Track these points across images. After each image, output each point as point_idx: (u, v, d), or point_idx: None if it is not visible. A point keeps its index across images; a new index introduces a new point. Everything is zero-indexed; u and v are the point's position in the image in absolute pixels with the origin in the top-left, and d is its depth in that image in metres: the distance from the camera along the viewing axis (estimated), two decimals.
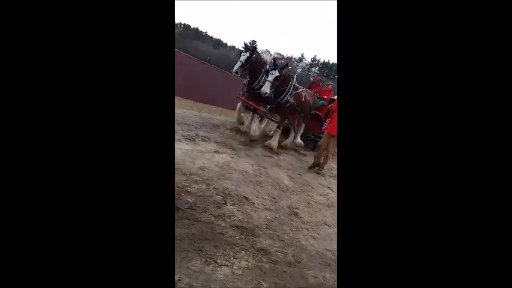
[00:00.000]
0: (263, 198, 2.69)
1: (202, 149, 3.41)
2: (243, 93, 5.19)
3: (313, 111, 5.85)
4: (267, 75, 4.47)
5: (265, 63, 4.72)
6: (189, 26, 38.27)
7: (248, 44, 4.69)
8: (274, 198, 2.79)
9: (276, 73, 4.43)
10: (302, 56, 41.89)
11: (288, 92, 4.85)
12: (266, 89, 4.32)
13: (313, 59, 44.00)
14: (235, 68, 4.51)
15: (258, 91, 4.61)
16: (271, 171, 3.55)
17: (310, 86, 7.07)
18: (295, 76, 5.28)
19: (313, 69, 41.97)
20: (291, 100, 4.95)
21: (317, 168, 4.52)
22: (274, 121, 5.80)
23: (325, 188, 3.76)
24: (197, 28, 36.90)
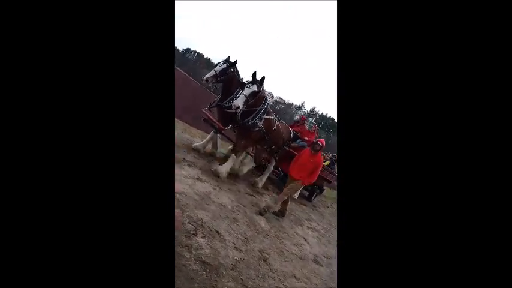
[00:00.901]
0: (235, 237, 2.60)
1: (186, 174, 3.36)
2: (209, 107, 4.58)
3: (286, 147, 5.11)
4: (242, 88, 3.86)
5: (243, 83, 4.06)
6: (202, 55, 40.03)
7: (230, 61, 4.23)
8: (246, 238, 2.70)
9: (254, 88, 3.81)
10: (302, 104, 43.64)
11: (258, 114, 4.13)
12: (239, 102, 3.67)
13: (312, 110, 45.70)
14: (207, 75, 4.03)
15: (226, 110, 4.14)
16: (250, 211, 3.48)
17: (294, 124, 6.60)
18: (269, 100, 4.63)
19: (310, 118, 43.30)
20: (260, 124, 4.20)
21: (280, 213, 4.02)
22: (231, 142, 5.11)
23: (301, 239, 3.67)
24: (209, 58, 38.56)
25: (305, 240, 3.73)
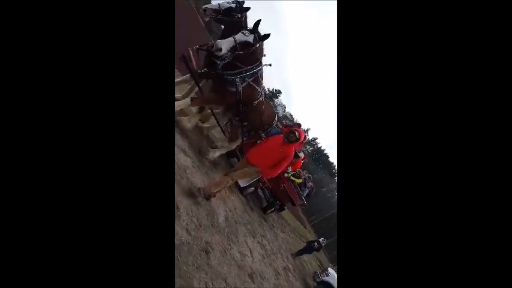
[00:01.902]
0: (191, 219, 2.59)
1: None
2: (198, 48, 3.59)
3: (261, 134, 4.21)
4: (236, 32, 3.03)
5: (240, 27, 3.23)
6: None
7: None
8: (200, 225, 2.70)
9: (250, 38, 2.96)
10: (307, 129, 43.84)
11: (243, 73, 3.27)
12: (224, 44, 2.83)
13: (313, 139, 46.00)
14: (209, 5, 3.21)
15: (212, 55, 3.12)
16: (215, 201, 3.48)
17: (286, 125, 5.74)
18: (263, 65, 3.54)
19: (308, 146, 43.57)
20: (239, 87, 3.33)
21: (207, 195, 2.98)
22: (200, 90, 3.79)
23: (248, 250, 3.68)
24: None
25: (250, 252, 3.74)
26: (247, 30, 3.03)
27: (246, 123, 3.98)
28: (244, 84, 3.39)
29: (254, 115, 3.87)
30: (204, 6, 3.16)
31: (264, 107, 3.95)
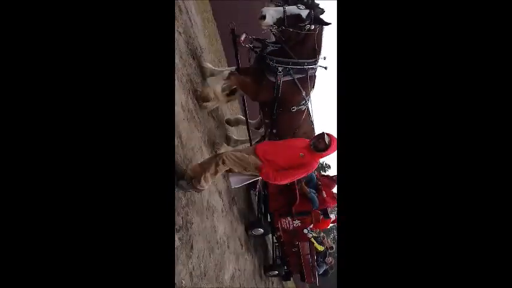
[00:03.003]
0: (200, 264, 2.51)
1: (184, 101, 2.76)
2: (252, 39, 2.83)
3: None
4: (288, 3, 2.41)
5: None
6: None
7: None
8: (205, 274, 2.58)
9: (304, 12, 2.32)
10: None
11: (289, 63, 2.61)
12: (269, 12, 2.29)
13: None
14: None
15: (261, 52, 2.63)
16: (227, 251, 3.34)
17: (324, 176, 4.85)
18: (318, 64, 2.72)
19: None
20: (279, 78, 2.63)
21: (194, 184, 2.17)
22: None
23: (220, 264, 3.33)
24: None
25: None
26: (304, 4, 2.37)
27: (274, 131, 3.04)
28: (288, 78, 2.68)
29: (288, 125, 2.99)
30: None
31: (303, 121, 3.03)
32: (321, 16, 2.45)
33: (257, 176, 2.35)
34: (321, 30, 2.56)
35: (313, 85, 2.87)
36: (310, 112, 3.12)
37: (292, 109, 2.88)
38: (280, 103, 2.81)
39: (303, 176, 2.50)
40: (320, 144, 2.30)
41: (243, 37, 2.78)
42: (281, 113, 2.90)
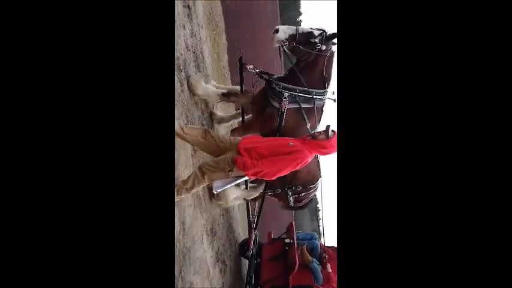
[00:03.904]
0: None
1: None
2: (259, 72, 2.79)
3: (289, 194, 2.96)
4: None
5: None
6: None
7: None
8: None
9: (316, 32, 2.45)
10: None
11: (296, 89, 2.55)
12: (282, 28, 2.44)
13: None
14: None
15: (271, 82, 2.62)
16: None
17: (332, 248, 3.93)
18: (326, 95, 2.67)
19: None
20: (284, 105, 2.56)
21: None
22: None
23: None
24: None
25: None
26: (322, 31, 2.50)
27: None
28: (293, 106, 2.57)
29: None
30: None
31: (307, 162, 2.58)
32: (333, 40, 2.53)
33: (243, 177, 2.13)
34: (331, 56, 2.59)
35: (320, 119, 2.76)
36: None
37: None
38: (283, 133, 2.64)
39: (297, 166, 2.13)
40: (320, 135, 2.15)
41: (250, 66, 2.82)
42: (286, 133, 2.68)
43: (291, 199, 3.02)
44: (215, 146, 2.17)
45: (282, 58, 2.77)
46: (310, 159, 2.18)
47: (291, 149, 2.09)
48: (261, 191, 3.16)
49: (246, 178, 2.19)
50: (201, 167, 2.10)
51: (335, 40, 2.53)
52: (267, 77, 2.69)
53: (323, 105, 2.72)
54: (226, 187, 2.20)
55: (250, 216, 3.67)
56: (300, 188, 2.92)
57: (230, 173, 2.06)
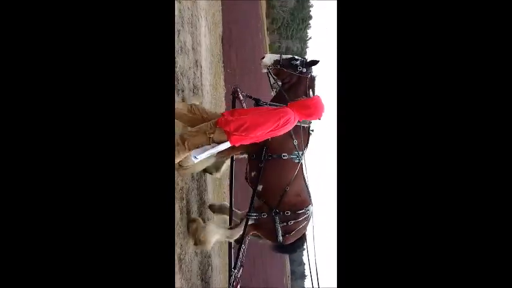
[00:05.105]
0: None
1: None
2: (250, 96, 2.95)
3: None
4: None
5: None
6: None
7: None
8: None
9: (296, 61, 2.71)
10: None
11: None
12: (268, 56, 2.83)
13: None
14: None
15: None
16: None
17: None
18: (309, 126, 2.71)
19: None
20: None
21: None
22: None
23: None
24: None
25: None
26: (302, 61, 2.75)
27: (260, 187, 2.63)
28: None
29: (277, 174, 2.61)
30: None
31: (295, 178, 2.63)
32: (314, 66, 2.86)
33: (225, 142, 2.08)
34: (313, 79, 2.86)
35: (307, 142, 2.73)
36: (305, 175, 2.80)
37: (284, 156, 2.61)
38: (269, 147, 2.58)
39: (280, 124, 2.12)
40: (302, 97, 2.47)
41: (238, 91, 2.92)
42: (270, 160, 2.60)
43: (279, 229, 2.63)
44: (200, 118, 2.25)
45: (270, 82, 3.03)
46: (293, 121, 2.19)
47: (271, 109, 2.29)
48: (243, 228, 2.75)
49: (228, 145, 2.11)
50: (182, 134, 2.09)
51: (314, 67, 2.93)
52: (255, 97, 3.00)
53: (309, 128, 2.74)
54: (207, 153, 2.13)
55: (232, 265, 2.78)
56: (289, 213, 2.62)
57: (212, 135, 2.04)
